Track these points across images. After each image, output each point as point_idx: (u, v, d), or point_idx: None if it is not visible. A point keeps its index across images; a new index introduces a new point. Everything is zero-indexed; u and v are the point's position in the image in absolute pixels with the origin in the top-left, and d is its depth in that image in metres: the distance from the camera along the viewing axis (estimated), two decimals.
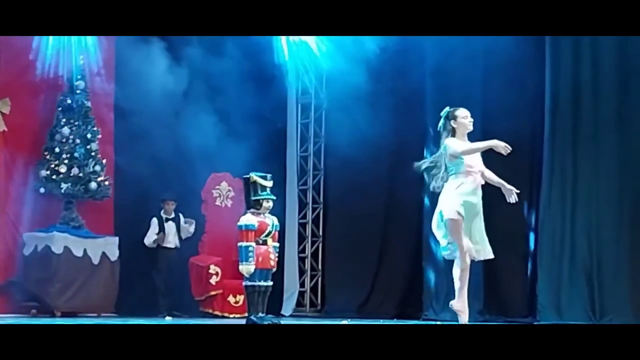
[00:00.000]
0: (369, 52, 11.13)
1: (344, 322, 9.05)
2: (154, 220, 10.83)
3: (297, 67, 12.07)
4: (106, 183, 10.27)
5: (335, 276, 11.82)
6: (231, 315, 10.60)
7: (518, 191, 7.50)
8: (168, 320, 9.34)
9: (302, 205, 12.14)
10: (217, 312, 10.67)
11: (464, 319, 7.25)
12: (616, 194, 9.48)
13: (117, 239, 10.29)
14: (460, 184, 7.15)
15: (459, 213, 7.07)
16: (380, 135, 10.81)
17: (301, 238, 12.07)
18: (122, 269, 10.29)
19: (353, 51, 11.20)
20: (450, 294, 10.12)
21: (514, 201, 7.52)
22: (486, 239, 7.36)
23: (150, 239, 10.79)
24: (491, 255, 7.42)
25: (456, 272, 7.24)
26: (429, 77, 10.83)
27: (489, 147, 7.16)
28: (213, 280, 10.68)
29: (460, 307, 7.25)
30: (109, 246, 10.24)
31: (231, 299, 10.75)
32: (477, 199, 7.24)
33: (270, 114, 11.37)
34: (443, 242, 7.28)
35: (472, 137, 10.27)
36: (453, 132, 7.24)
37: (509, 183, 10.26)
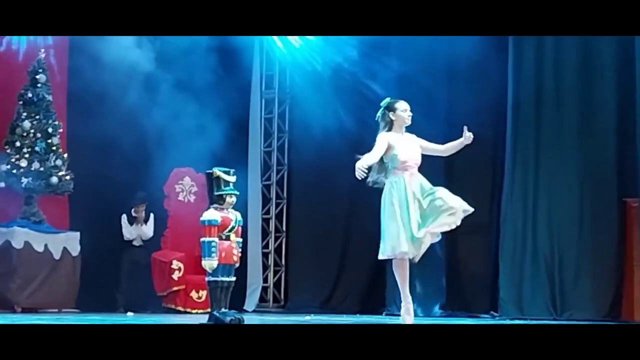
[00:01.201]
0: (334, 48, 11.17)
1: (307, 317, 9.05)
2: (124, 217, 10.89)
3: (260, 61, 12.06)
4: (67, 178, 10.17)
5: (298, 272, 11.82)
6: (194, 311, 10.56)
7: (470, 134, 7.32)
8: (130, 316, 9.27)
9: (266, 201, 12.12)
10: (179, 308, 10.63)
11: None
12: (577, 190, 9.58)
13: (78, 234, 10.20)
14: (393, 181, 7.04)
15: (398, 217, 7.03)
16: (344, 131, 10.82)
17: (264, 233, 12.05)
18: (83, 264, 10.21)
19: (318, 46, 11.22)
20: (417, 290, 10.19)
21: (470, 140, 7.36)
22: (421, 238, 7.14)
23: (128, 234, 10.91)
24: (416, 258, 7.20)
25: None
26: (392, 75, 10.86)
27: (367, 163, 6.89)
28: (175, 275, 10.63)
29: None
30: (70, 241, 10.15)
31: (194, 294, 10.71)
32: (414, 191, 7.05)
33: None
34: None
35: (438, 134, 10.35)
36: (391, 125, 7.11)
37: (472, 179, 10.41)
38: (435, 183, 10.30)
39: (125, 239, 10.94)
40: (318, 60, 11.51)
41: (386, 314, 10.27)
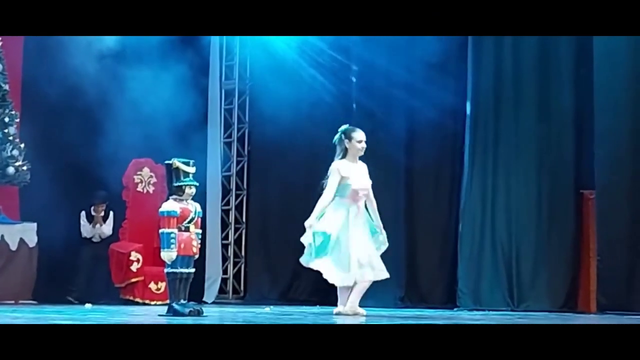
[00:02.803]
0: (295, 40, 11.16)
1: (267, 308, 9.04)
2: (82, 215, 10.84)
3: (220, 51, 12.01)
4: (24, 168, 10.07)
5: (258, 263, 11.81)
6: (152, 303, 10.50)
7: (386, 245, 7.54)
8: (88, 307, 9.20)
9: (226, 192, 12.08)
10: (138, 299, 10.57)
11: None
12: (535, 183, 9.68)
13: (35, 225, 10.09)
14: (341, 208, 7.24)
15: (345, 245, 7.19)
16: (303, 122, 10.83)
17: (224, 225, 12.01)
18: (40, 255, 10.11)
19: (279, 38, 11.20)
20: (375, 281, 10.25)
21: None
22: (379, 259, 7.39)
23: (87, 233, 10.87)
24: (386, 275, 7.44)
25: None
26: (354, 71, 10.91)
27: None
28: (134, 267, 10.57)
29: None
30: (27, 232, 10.05)
31: (152, 286, 10.66)
32: (363, 222, 7.33)
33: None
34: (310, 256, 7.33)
35: (397, 124, 10.47)
36: (345, 152, 7.36)
37: (432, 171, 10.47)
38: (396, 175, 10.42)
39: (82, 236, 10.85)
40: (279, 51, 11.48)
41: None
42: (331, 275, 7.25)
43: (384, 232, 7.48)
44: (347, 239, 7.21)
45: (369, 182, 7.42)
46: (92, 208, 10.91)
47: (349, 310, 7.28)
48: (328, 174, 7.37)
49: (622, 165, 8.94)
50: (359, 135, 7.39)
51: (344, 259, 7.19)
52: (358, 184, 7.30)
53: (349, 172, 7.29)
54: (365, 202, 7.42)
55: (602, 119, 9.09)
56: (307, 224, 7.23)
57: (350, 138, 7.36)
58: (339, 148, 7.40)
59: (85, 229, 10.89)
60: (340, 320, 6.51)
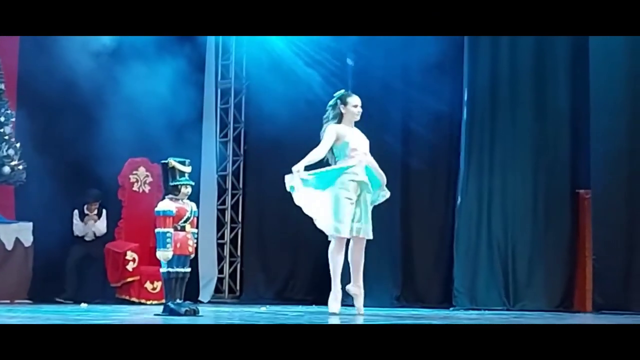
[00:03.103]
0: (291, 39, 11.15)
1: (263, 308, 9.04)
2: (75, 213, 10.82)
3: (216, 51, 12.00)
4: (20, 167, 10.05)
5: (254, 263, 11.80)
6: (148, 302, 10.49)
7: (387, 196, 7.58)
8: (83, 307, 9.19)
9: (222, 191, 12.07)
10: (133, 299, 10.56)
11: (359, 303, 7.43)
12: (531, 182, 9.68)
13: (30, 224, 10.08)
14: (347, 166, 7.22)
15: (349, 199, 7.16)
16: (300, 121, 10.80)
17: (220, 224, 12.00)
18: (36, 255, 10.10)
19: (275, 38, 11.19)
20: (370, 280, 10.25)
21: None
22: (369, 220, 7.35)
23: (79, 231, 10.83)
24: (370, 236, 7.38)
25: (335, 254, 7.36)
26: (350, 70, 10.92)
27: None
28: (130, 266, 10.56)
29: (356, 291, 7.42)
30: (23, 231, 10.03)
31: (148, 285, 10.65)
32: (362, 179, 7.27)
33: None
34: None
35: (394, 125, 10.48)
36: (340, 117, 7.35)
37: (428, 170, 10.49)
38: (392, 174, 10.43)
39: (75, 235, 10.83)
40: (275, 50, 11.48)
41: (341, 305, 10.26)
42: (324, 220, 7.21)
43: (383, 175, 7.46)
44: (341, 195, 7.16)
45: (366, 142, 7.40)
46: (85, 206, 10.89)
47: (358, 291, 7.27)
48: (322, 133, 7.32)
49: (619, 164, 8.94)
50: (355, 99, 7.40)
51: (339, 209, 7.14)
52: (355, 143, 7.27)
53: (346, 133, 7.28)
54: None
55: (598, 119, 9.10)
56: (294, 168, 7.15)
57: (345, 103, 7.35)
58: (332, 113, 7.38)
59: (78, 227, 10.85)
60: (335, 320, 6.50)
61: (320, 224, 7.27)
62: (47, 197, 10.35)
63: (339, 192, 7.18)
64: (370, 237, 7.37)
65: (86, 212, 10.89)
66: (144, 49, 10.24)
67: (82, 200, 10.88)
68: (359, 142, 7.33)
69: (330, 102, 7.43)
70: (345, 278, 7.52)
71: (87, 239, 10.89)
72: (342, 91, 7.50)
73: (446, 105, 10.38)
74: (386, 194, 7.53)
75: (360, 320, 6.58)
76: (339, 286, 7.36)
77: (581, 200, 9.55)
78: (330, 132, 7.24)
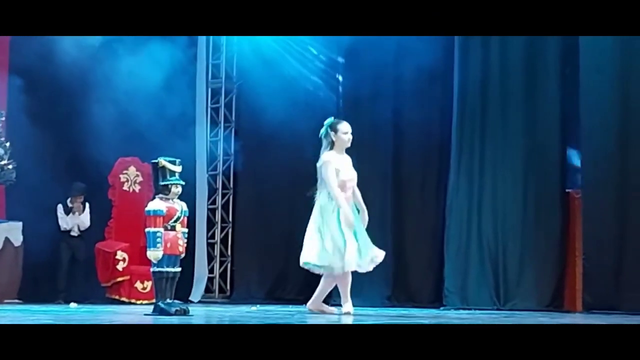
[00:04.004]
0: (282, 38, 11.14)
1: (253, 308, 9.03)
2: (59, 207, 10.76)
3: (206, 50, 11.98)
4: (10, 167, 10.02)
5: (244, 262, 11.78)
6: (138, 302, 10.49)
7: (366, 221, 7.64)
8: (73, 307, 9.17)
9: (212, 191, 12.06)
10: (124, 299, 10.55)
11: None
12: (521, 182, 9.69)
13: (20, 224, 10.06)
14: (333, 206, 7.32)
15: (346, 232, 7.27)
16: (290, 121, 10.80)
17: (210, 224, 11.98)
18: (25, 254, 10.07)
19: (265, 37, 11.17)
20: (361, 280, 10.27)
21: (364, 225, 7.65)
22: (371, 243, 7.47)
23: (64, 224, 10.78)
24: (382, 256, 7.54)
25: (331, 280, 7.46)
26: (341, 69, 10.91)
27: (342, 212, 7.28)
28: (120, 266, 10.55)
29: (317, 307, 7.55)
30: (13, 231, 10.01)
31: (138, 285, 10.64)
32: (353, 213, 7.41)
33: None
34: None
35: (384, 128, 10.49)
36: (332, 144, 7.48)
37: (418, 170, 10.51)
38: (383, 174, 10.44)
39: (62, 229, 10.79)
40: (266, 49, 11.47)
41: (332, 304, 10.27)
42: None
43: (366, 211, 7.57)
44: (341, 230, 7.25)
45: (355, 174, 7.55)
46: (69, 200, 10.83)
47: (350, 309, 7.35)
48: (319, 166, 7.42)
49: (609, 164, 8.96)
50: (345, 127, 7.51)
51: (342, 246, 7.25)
52: (347, 175, 7.41)
53: (338, 164, 7.41)
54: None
55: (588, 119, 9.12)
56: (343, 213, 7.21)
57: (336, 130, 7.47)
58: (325, 141, 7.50)
59: (64, 220, 10.80)
60: (325, 320, 6.50)
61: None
62: (38, 197, 10.32)
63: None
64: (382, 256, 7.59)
65: (70, 205, 10.83)
66: (137, 47, 10.22)
67: (67, 194, 10.82)
68: (349, 175, 7.47)
69: (322, 131, 7.55)
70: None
71: (72, 233, 10.84)
72: (332, 119, 7.63)
73: (437, 105, 10.40)
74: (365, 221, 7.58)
75: (348, 320, 6.58)
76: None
77: (571, 200, 9.58)
78: (329, 166, 7.34)
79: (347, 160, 7.55)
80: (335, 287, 7.64)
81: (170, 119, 10.71)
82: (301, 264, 7.46)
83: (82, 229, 10.89)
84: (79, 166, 10.76)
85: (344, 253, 7.23)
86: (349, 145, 7.54)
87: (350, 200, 7.45)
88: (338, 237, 7.25)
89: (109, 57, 10.53)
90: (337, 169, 7.36)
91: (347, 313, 7.32)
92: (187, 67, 11.54)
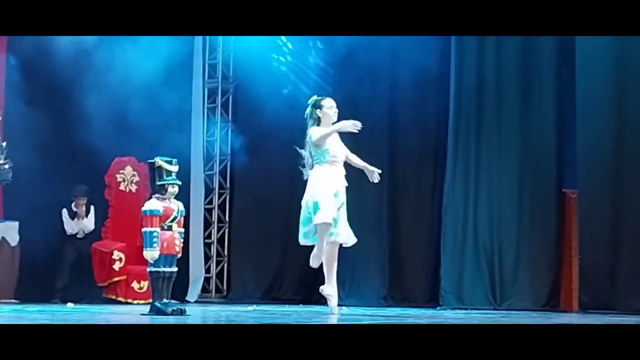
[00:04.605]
0: (278, 38, 11.14)
1: (250, 307, 9.04)
2: (65, 213, 10.77)
3: (203, 50, 11.98)
4: (6, 167, 10.02)
5: (241, 262, 11.79)
6: (135, 302, 10.49)
7: (380, 171, 7.75)
8: (70, 307, 9.17)
9: (209, 191, 12.05)
10: (120, 298, 10.54)
11: (333, 303, 7.44)
12: (517, 181, 9.70)
13: (17, 223, 10.05)
14: (328, 174, 7.34)
15: (332, 205, 7.24)
16: (287, 121, 10.80)
17: (207, 224, 11.98)
18: (22, 254, 10.06)
19: (261, 37, 11.17)
20: (357, 279, 10.24)
21: (377, 181, 7.77)
22: (348, 226, 7.46)
23: (70, 228, 10.80)
24: (354, 240, 7.54)
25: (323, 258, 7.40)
26: (336, 69, 10.91)
27: (339, 130, 7.37)
28: (116, 266, 10.54)
29: (330, 291, 7.45)
30: (9, 231, 10.01)
31: (135, 284, 10.64)
32: (343, 189, 7.41)
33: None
34: (305, 229, 7.39)
35: (379, 127, 10.49)
36: (318, 121, 7.47)
37: (414, 170, 10.52)
38: (379, 174, 10.44)
39: (67, 234, 10.80)
40: (262, 49, 11.48)
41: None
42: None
43: (368, 167, 7.68)
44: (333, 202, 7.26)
45: (344, 148, 7.55)
46: (73, 203, 10.84)
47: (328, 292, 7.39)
48: (307, 139, 7.41)
49: (604, 164, 8.97)
50: (329, 101, 7.54)
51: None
52: (335, 150, 7.41)
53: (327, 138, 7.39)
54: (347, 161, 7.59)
55: (584, 119, 9.13)
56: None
57: (320, 107, 7.48)
58: (310, 121, 7.49)
59: (70, 225, 10.82)
60: (323, 320, 6.51)
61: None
62: (34, 197, 10.32)
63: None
64: (354, 240, 7.58)
65: (74, 208, 10.85)
66: (133, 48, 10.22)
67: (70, 195, 10.81)
68: (338, 149, 7.47)
69: (306, 111, 7.54)
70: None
71: (78, 236, 10.87)
72: (315, 97, 7.63)
73: (433, 106, 10.41)
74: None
75: (334, 320, 6.58)
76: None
77: (567, 200, 9.59)
78: (317, 131, 7.34)
79: (335, 135, 7.51)
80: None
81: (166, 118, 10.71)
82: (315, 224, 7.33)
83: (85, 232, 10.89)
84: (75, 166, 10.75)
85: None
86: (335, 119, 7.49)
87: (343, 173, 7.44)
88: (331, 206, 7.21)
89: (108, 55, 10.52)
90: (323, 142, 7.34)
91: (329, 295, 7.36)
92: (184, 67, 11.54)
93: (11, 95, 10.46)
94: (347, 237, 7.47)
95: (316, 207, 7.19)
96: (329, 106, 7.48)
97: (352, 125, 7.31)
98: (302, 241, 7.52)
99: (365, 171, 7.71)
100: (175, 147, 9.68)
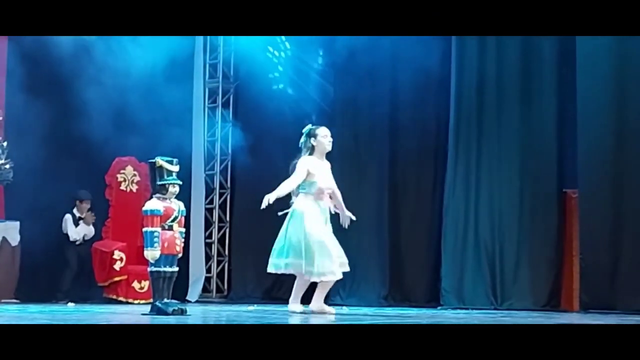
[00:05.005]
0: (279, 37, 11.14)
1: (250, 307, 9.04)
2: (69, 218, 10.74)
3: (203, 50, 11.98)
4: (7, 167, 10.01)
5: (241, 262, 11.78)
6: (135, 301, 10.48)
7: (354, 219, 7.68)
8: (71, 306, 9.17)
9: (209, 191, 12.05)
10: (121, 298, 10.54)
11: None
12: (518, 181, 9.70)
13: (17, 223, 10.05)
14: (313, 206, 7.37)
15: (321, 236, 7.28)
16: (288, 121, 10.81)
17: (208, 224, 11.98)
18: (22, 254, 10.06)
19: (261, 37, 11.18)
20: (358, 279, 10.23)
21: (346, 226, 7.71)
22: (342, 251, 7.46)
23: (75, 235, 10.77)
24: (347, 268, 7.52)
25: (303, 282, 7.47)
26: (337, 69, 10.91)
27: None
28: (117, 265, 10.54)
29: (295, 307, 7.51)
30: (10, 231, 10.01)
31: (136, 284, 10.63)
32: (327, 220, 7.45)
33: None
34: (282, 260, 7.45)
35: (380, 127, 10.49)
36: (312, 150, 7.48)
37: (415, 170, 10.51)
38: (379, 174, 10.44)
39: (71, 239, 10.77)
40: (262, 48, 11.48)
41: (329, 304, 10.26)
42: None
43: (346, 211, 7.62)
44: (323, 235, 7.25)
45: (333, 181, 7.57)
46: (76, 208, 10.82)
47: (317, 309, 7.32)
48: (294, 165, 7.44)
49: (605, 164, 8.97)
50: (324, 131, 7.54)
51: (327, 253, 7.21)
52: (324, 183, 7.41)
53: (316, 170, 7.41)
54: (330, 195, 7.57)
55: (584, 119, 9.12)
56: (267, 198, 7.26)
57: (315, 135, 7.48)
58: (304, 149, 7.52)
59: (73, 230, 10.76)
60: (322, 320, 6.50)
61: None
62: (35, 196, 10.32)
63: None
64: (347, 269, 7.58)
65: (77, 214, 10.82)
66: (133, 48, 10.22)
67: (70, 196, 10.78)
68: (327, 182, 7.48)
69: (301, 140, 7.56)
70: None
71: (78, 243, 10.86)
72: (309, 126, 7.65)
73: (433, 106, 10.40)
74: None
75: (336, 320, 6.58)
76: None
77: (568, 200, 9.58)
78: (302, 167, 7.38)
79: (326, 166, 7.56)
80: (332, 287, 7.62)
81: (167, 118, 10.70)
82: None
83: (86, 238, 10.89)
84: (76, 165, 10.74)
85: (317, 258, 7.24)
86: (329, 148, 7.54)
87: (328, 205, 7.46)
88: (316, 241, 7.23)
89: (108, 55, 10.52)
90: (312, 174, 7.37)
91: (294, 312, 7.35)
92: (185, 66, 11.54)
93: (12, 95, 10.45)
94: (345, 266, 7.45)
95: (310, 254, 7.19)
96: (324, 135, 7.49)
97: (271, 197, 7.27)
98: (272, 269, 7.52)
99: (340, 214, 7.66)
100: (176, 147, 9.68)
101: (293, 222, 7.35)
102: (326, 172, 7.52)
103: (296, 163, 7.45)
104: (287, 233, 7.35)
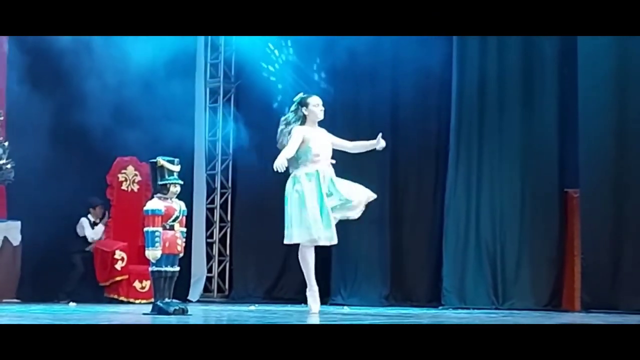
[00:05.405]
0: (281, 37, 11.14)
1: (252, 307, 9.04)
2: (85, 221, 10.85)
3: (205, 49, 11.98)
4: (8, 166, 10.00)
5: (242, 262, 11.79)
6: (137, 301, 10.49)
7: (384, 144, 7.71)
8: (72, 306, 9.17)
9: (210, 191, 12.06)
10: (122, 298, 10.55)
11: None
12: (519, 181, 9.70)
13: (19, 223, 10.05)
14: (307, 173, 7.33)
15: (314, 207, 7.26)
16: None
17: (209, 223, 11.98)
18: (24, 254, 10.06)
19: (263, 37, 11.18)
20: (359, 279, 10.23)
21: (383, 146, 7.73)
22: (333, 224, 7.40)
23: (93, 235, 10.89)
24: (335, 241, 7.47)
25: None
26: (338, 69, 10.92)
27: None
28: (118, 265, 10.55)
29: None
30: (11, 230, 10.01)
31: (137, 284, 10.64)
32: (324, 187, 7.36)
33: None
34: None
35: (381, 127, 10.45)
36: (304, 119, 7.43)
37: (416, 170, 10.50)
38: (381, 174, 10.43)
39: (89, 240, 10.86)
40: (264, 48, 11.48)
41: (330, 304, 10.31)
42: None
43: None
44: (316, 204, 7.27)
45: (330, 147, 7.50)
46: (89, 214, 10.90)
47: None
48: (283, 129, 7.41)
49: (607, 164, 8.97)
50: (315, 99, 7.52)
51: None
52: (319, 148, 7.38)
53: (310, 135, 7.37)
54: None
55: (586, 118, 9.12)
56: (278, 163, 7.10)
57: (306, 105, 7.46)
58: (295, 117, 7.45)
59: (90, 231, 10.88)
60: (324, 320, 6.51)
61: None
62: (36, 196, 10.31)
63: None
64: (335, 241, 7.48)
65: (92, 218, 10.91)
66: (134, 47, 10.22)
67: (87, 205, 10.87)
68: (322, 148, 7.43)
69: (292, 108, 7.52)
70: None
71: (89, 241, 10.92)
72: (301, 94, 7.61)
73: (435, 106, 10.40)
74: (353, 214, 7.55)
75: (346, 319, 6.58)
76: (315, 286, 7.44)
77: (569, 200, 9.59)
78: (296, 133, 7.32)
79: (321, 132, 7.50)
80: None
81: (168, 118, 10.70)
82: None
83: (93, 240, 10.94)
84: (78, 165, 10.74)
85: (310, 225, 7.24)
86: (321, 117, 7.49)
87: (329, 171, 7.40)
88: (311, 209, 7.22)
89: (110, 54, 10.52)
90: (307, 138, 7.32)
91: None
92: (186, 66, 11.53)
93: (13, 94, 10.45)
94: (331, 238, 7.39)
95: (292, 222, 7.30)
96: (315, 104, 7.46)
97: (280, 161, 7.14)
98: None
99: (370, 148, 7.65)
100: (177, 146, 9.68)
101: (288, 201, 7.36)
102: (321, 138, 7.46)
103: (282, 130, 7.37)
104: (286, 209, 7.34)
